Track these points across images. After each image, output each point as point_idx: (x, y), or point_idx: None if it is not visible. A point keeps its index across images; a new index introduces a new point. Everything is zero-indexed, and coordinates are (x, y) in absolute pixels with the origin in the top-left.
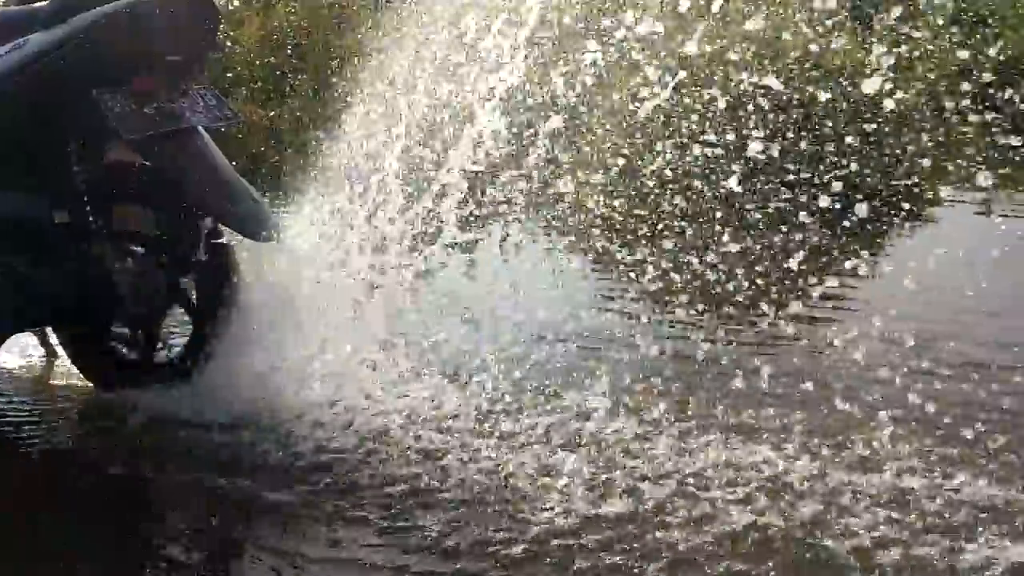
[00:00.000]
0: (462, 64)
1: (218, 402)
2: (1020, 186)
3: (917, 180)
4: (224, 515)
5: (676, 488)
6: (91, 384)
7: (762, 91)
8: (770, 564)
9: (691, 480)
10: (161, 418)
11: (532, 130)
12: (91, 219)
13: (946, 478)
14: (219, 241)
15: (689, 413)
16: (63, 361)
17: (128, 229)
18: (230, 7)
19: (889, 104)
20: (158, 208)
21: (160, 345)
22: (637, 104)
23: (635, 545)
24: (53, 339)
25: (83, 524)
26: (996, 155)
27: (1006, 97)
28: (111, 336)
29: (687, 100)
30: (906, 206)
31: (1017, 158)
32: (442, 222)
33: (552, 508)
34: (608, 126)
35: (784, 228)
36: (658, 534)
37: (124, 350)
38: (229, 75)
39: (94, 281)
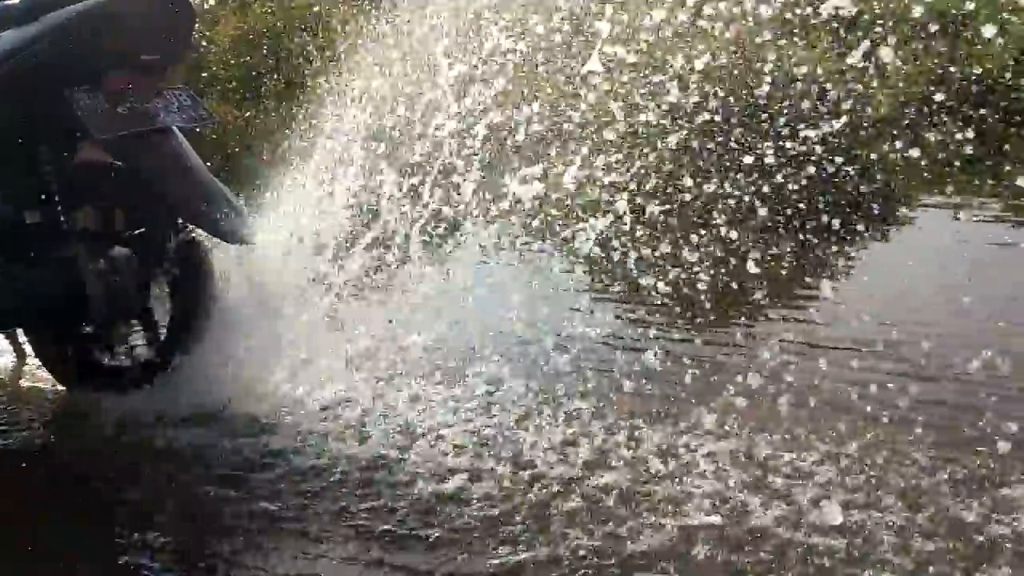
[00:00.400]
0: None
1: (193, 404)
2: (992, 191)
3: (892, 186)
4: (199, 522)
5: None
6: (62, 386)
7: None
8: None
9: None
10: (134, 421)
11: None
12: (62, 219)
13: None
14: (193, 243)
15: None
16: (33, 362)
17: (100, 230)
18: (205, 6)
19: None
20: (131, 209)
21: (132, 346)
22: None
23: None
24: (23, 340)
25: (50, 527)
26: (969, 161)
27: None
28: (82, 337)
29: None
30: (881, 212)
31: (987, 164)
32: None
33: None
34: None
35: (761, 233)
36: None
37: (96, 351)
38: (204, 75)
39: (65, 282)
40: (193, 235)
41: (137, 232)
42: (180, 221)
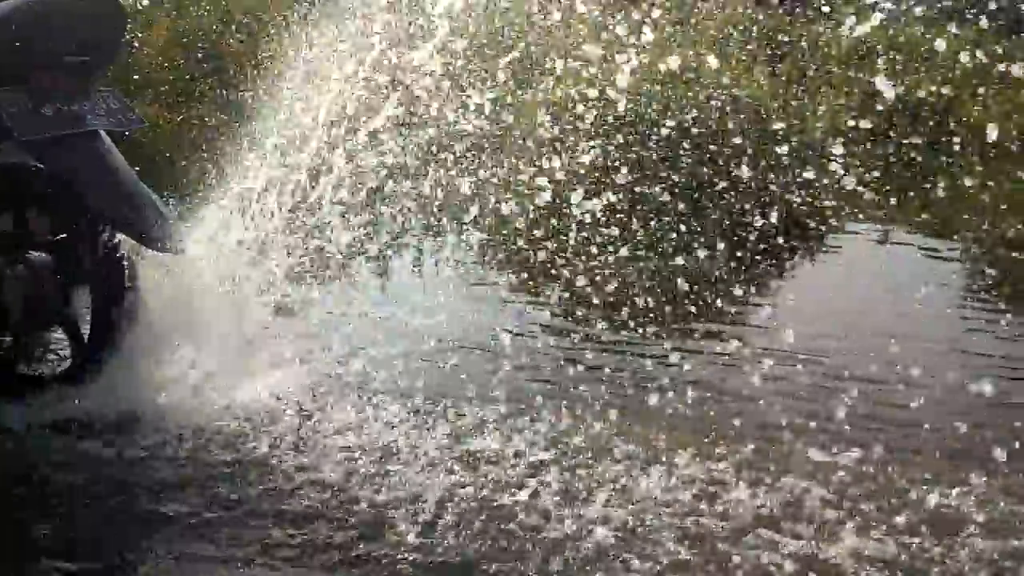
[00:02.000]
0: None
1: (111, 414)
2: (918, 214)
3: (819, 209)
4: (114, 531)
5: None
6: None
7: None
8: None
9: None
10: (49, 428)
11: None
12: None
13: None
14: (116, 249)
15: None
16: None
17: (19, 234)
18: (138, 7)
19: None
20: (52, 214)
21: (51, 354)
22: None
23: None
24: None
25: None
26: (899, 186)
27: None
28: None
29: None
30: (809, 234)
31: (915, 189)
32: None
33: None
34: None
35: (689, 254)
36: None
37: (13, 359)
38: (136, 77)
39: None
40: (117, 242)
41: (58, 238)
42: (104, 227)
